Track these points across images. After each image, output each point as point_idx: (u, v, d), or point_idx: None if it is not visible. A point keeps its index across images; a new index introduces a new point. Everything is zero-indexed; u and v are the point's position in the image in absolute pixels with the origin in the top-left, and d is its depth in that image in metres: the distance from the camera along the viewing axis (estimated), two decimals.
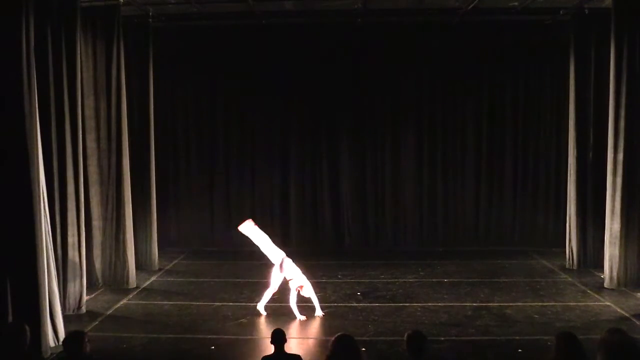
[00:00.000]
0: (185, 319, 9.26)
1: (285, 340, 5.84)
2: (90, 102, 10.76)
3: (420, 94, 14.30)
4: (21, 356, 5.35)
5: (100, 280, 10.96)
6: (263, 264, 12.66)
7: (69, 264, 9.26)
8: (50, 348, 7.72)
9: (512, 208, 14.29)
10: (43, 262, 7.66)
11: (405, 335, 5.18)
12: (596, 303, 9.86)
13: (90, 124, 10.76)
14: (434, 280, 11.41)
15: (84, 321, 8.96)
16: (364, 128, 14.43)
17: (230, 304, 9.95)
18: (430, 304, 9.87)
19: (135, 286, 10.97)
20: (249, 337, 8.63)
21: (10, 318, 7.32)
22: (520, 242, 14.10)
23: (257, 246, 9.56)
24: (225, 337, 8.60)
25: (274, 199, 14.56)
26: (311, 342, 8.22)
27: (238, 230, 9.58)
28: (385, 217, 14.51)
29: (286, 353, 5.86)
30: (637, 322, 8.81)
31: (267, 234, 14.26)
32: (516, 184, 14.30)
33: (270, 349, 5.92)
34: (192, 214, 14.47)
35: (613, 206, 10.52)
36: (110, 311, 9.62)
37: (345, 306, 9.83)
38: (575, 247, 11.99)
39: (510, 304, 9.84)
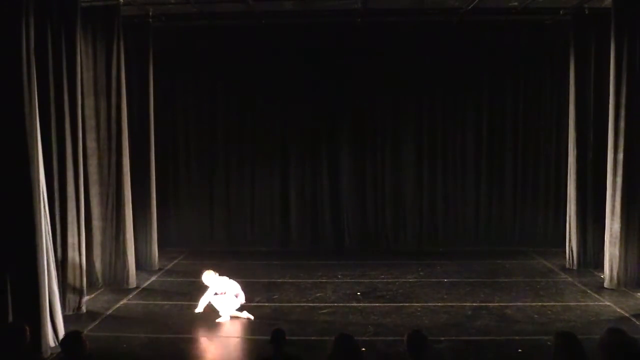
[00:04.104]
0: (185, 319, 9.26)
1: (285, 340, 5.83)
2: (90, 102, 10.76)
3: (420, 94, 14.29)
4: (21, 356, 5.35)
5: (100, 280, 10.96)
6: (263, 264, 12.74)
7: (69, 264, 9.27)
8: (50, 348, 7.71)
9: (512, 208, 14.29)
10: (43, 262, 7.66)
11: (405, 335, 5.18)
12: (596, 303, 9.86)
13: (90, 124, 10.76)
14: (434, 280, 11.41)
15: (84, 321, 8.96)
16: (364, 128, 14.43)
17: None
18: (430, 304, 9.87)
19: (135, 286, 10.97)
20: (249, 337, 8.64)
21: (10, 318, 7.32)
22: (520, 242, 14.09)
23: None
24: (225, 337, 8.61)
25: (274, 199, 14.55)
26: (311, 342, 8.21)
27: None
28: (385, 217, 14.50)
29: (286, 353, 5.85)
30: (637, 322, 8.82)
31: (267, 234, 14.45)
32: (516, 184, 14.29)
33: (270, 349, 5.91)
34: (192, 214, 14.47)
35: (613, 206, 10.52)
36: (110, 311, 9.62)
37: (345, 306, 9.83)
38: (575, 247, 11.99)
39: (510, 304, 9.84)
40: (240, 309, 9.23)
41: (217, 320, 9.02)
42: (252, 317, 9.12)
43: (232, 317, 9.11)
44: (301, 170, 14.52)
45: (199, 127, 14.45)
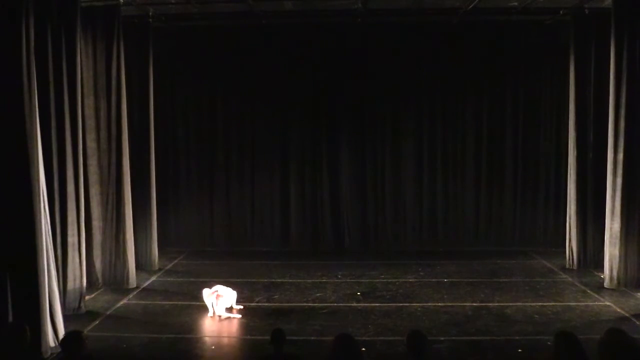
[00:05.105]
0: (185, 319, 9.27)
1: (285, 340, 5.83)
2: (90, 102, 10.76)
3: (420, 94, 14.29)
4: (21, 356, 5.35)
5: (100, 280, 10.96)
6: (263, 264, 12.74)
7: (69, 264, 9.26)
8: (50, 348, 7.71)
9: (512, 208, 14.28)
10: (43, 262, 7.66)
11: (405, 335, 5.18)
12: (596, 303, 9.86)
13: (90, 124, 10.76)
14: (434, 280, 11.41)
15: (84, 321, 8.95)
16: (364, 128, 14.42)
17: None
18: (430, 304, 9.87)
19: (135, 286, 10.97)
20: (249, 337, 8.64)
21: (10, 318, 7.32)
22: (520, 242, 14.09)
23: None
24: (225, 337, 8.62)
25: (274, 199, 14.55)
26: (311, 342, 8.22)
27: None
28: (385, 217, 14.49)
29: (286, 353, 5.85)
30: (637, 322, 8.82)
31: (267, 234, 14.47)
32: (516, 184, 14.28)
33: (270, 349, 5.91)
34: (192, 214, 14.47)
35: (613, 206, 10.52)
36: (110, 311, 9.62)
37: (345, 306, 9.83)
38: (575, 247, 11.99)
39: (510, 304, 9.84)
40: (230, 309, 9.38)
41: (209, 315, 9.19)
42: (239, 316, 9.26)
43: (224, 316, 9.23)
44: (301, 170, 14.51)
45: (199, 127, 14.45)
